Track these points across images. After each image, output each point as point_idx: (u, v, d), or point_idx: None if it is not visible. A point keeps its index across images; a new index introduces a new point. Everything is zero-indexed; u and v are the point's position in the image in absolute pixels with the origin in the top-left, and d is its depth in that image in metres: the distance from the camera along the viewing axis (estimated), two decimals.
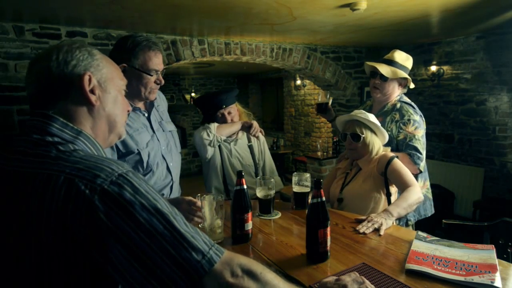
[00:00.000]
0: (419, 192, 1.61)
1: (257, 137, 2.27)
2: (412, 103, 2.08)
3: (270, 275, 0.71)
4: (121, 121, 0.88)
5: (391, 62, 2.03)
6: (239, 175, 1.39)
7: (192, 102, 7.95)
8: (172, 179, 1.68)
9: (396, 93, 2.07)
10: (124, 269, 0.62)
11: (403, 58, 2.06)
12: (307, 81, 6.70)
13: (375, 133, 1.79)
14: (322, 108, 2.33)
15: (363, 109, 2.12)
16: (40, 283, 0.64)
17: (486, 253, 1.13)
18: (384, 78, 2.00)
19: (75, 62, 0.78)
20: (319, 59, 4.32)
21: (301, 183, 1.72)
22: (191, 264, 0.64)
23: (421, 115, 2.05)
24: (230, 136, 2.21)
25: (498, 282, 0.96)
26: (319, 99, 2.38)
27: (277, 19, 2.88)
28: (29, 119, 0.77)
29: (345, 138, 1.83)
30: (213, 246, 0.68)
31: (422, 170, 1.98)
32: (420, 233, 1.35)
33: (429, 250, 1.19)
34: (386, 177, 1.71)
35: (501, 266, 1.06)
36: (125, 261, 0.62)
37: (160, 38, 3.30)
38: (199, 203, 1.40)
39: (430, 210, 2.11)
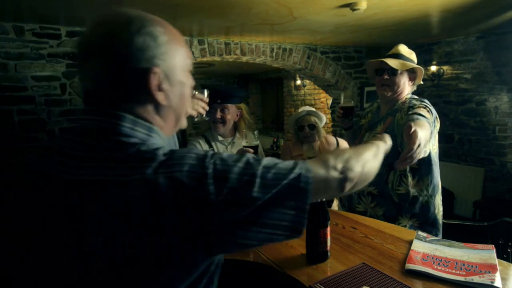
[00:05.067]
0: None
1: None
2: (425, 100, 1.87)
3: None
4: (186, 111, 0.78)
5: (397, 56, 1.89)
6: None
7: None
8: None
9: (407, 89, 1.92)
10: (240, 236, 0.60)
11: (408, 52, 1.92)
12: (307, 81, 6.70)
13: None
14: (349, 112, 2.08)
15: (370, 112, 2.05)
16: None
17: (486, 253, 1.13)
18: (393, 72, 1.85)
19: (140, 55, 0.64)
20: (319, 59, 4.32)
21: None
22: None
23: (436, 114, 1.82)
24: (225, 138, 2.16)
25: (498, 282, 0.96)
26: (343, 102, 2.11)
27: (277, 19, 2.88)
28: (90, 119, 0.65)
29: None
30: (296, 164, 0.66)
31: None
32: (420, 233, 1.35)
33: (429, 250, 1.19)
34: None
35: (501, 266, 1.06)
36: (241, 230, 0.59)
37: None
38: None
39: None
